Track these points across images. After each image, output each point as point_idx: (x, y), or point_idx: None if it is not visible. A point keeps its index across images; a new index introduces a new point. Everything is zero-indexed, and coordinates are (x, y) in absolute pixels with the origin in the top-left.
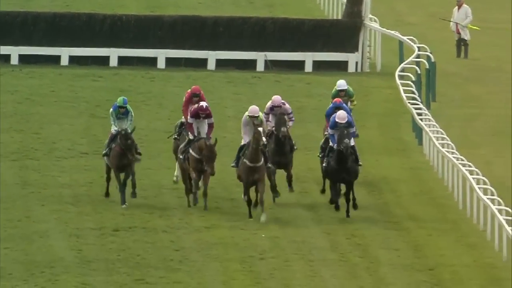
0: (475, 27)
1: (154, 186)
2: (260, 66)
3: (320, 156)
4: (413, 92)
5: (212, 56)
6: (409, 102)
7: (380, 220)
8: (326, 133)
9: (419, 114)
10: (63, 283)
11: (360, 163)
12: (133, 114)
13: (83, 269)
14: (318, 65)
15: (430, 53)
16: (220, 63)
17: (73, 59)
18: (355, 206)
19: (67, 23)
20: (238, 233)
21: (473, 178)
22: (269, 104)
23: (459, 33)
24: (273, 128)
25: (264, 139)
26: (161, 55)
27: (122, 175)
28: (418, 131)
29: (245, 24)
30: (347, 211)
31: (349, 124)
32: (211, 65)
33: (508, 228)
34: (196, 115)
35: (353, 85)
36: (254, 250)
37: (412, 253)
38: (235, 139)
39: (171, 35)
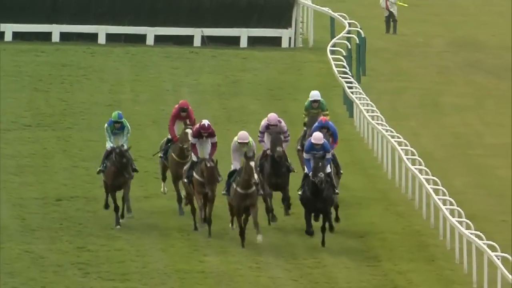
0: (403, 4)
1: (95, 157)
2: (197, 42)
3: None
4: (344, 67)
5: (150, 32)
6: (340, 76)
7: None
8: (299, 147)
9: (350, 88)
10: (7, 250)
11: (337, 191)
12: (129, 128)
13: (26, 237)
14: (253, 41)
15: (360, 29)
16: (159, 39)
17: (16, 35)
18: (331, 229)
19: (10, 0)
20: (176, 203)
21: (402, 149)
22: (264, 122)
23: (388, 9)
24: (268, 150)
25: (255, 176)
26: (102, 31)
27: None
28: (349, 104)
29: (182, 1)
30: (323, 241)
31: (324, 150)
32: (150, 40)
33: (435, 197)
34: (199, 134)
35: (287, 60)
36: (191, 218)
37: (343, 221)
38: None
39: (111, 12)
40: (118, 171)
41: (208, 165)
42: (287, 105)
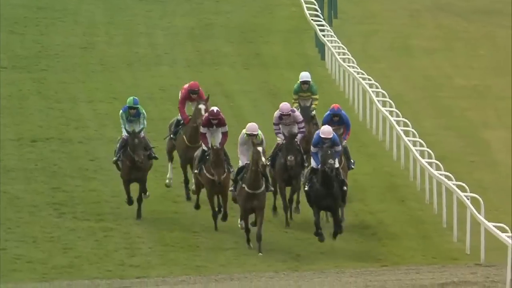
0: None
1: (70, 99)
2: None
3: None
4: (315, 10)
5: None
6: (312, 19)
7: None
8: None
9: (322, 31)
10: None
11: (345, 188)
12: (145, 115)
13: (2, 178)
14: None
15: None
16: None
17: None
18: (339, 228)
19: None
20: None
21: (372, 91)
22: (277, 113)
23: None
24: (284, 142)
25: (263, 159)
26: None
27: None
28: (320, 46)
29: None
30: (334, 233)
31: (334, 142)
32: None
33: (406, 139)
34: (208, 123)
35: (259, 3)
36: (164, 158)
37: None
38: (147, 54)
39: None
40: (133, 165)
41: (215, 146)
42: (260, 48)
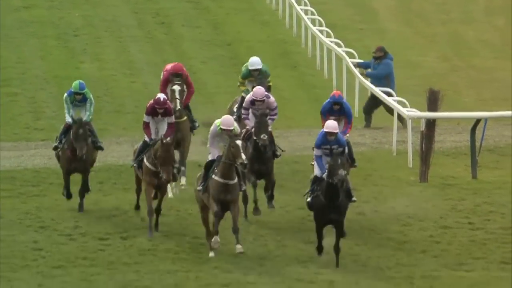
0: None
1: None
2: None
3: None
4: None
5: None
6: None
7: None
8: (235, 116)
9: None
10: None
11: (354, 198)
12: (93, 101)
13: None
14: None
15: None
16: None
17: None
18: (343, 234)
19: None
20: (54, 12)
21: None
22: (249, 97)
23: None
24: (253, 130)
25: (243, 156)
26: None
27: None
28: None
29: None
30: (337, 262)
31: (339, 143)
32: None
33: (298, 7)
34: (153, 111)
35: None
36: (68, 27)
37: (212, 30)
38: None
39: None
40: (74, 157)
41: (164, 141)
42: None
